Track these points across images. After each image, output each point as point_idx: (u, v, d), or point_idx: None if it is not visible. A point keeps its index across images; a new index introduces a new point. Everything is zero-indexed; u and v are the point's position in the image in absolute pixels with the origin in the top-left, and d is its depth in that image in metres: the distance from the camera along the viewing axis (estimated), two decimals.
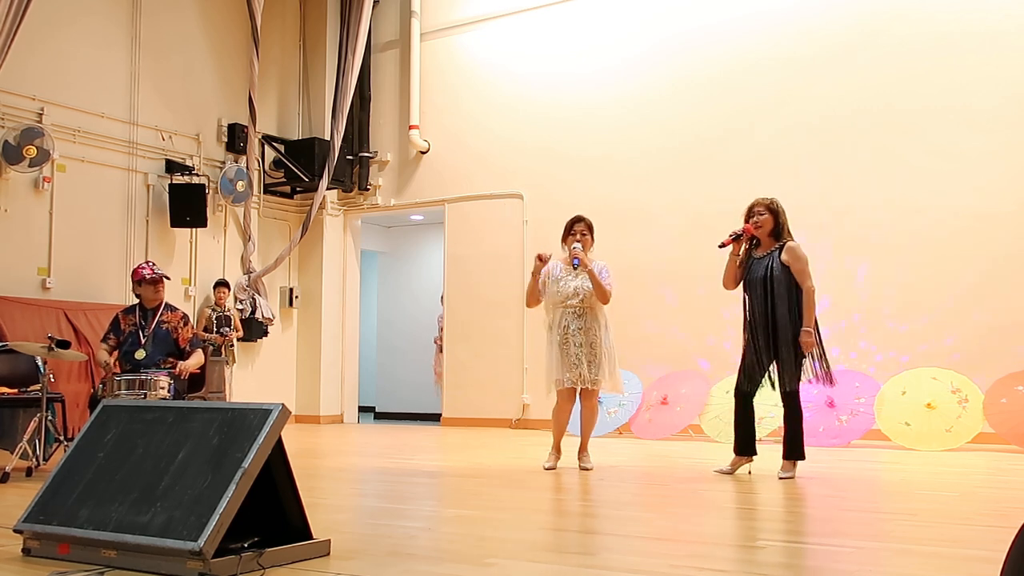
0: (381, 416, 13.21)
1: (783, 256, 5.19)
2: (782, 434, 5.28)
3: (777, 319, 5.14)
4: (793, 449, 5.19)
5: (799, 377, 5.17)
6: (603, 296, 5.53)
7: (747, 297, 5.32)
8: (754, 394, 5.31)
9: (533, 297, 5.73)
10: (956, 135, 7.87)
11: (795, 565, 2.76)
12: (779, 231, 5.28)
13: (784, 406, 5.21)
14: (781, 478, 5.09)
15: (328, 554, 2.84)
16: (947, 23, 7.97)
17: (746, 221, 5.34)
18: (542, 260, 5.61)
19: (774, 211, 5.28)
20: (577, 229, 5.63)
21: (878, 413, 7.51)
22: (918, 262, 7.94)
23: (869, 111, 8.22)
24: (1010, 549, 1.55)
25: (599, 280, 5.50)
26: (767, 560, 2.80)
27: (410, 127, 10.58)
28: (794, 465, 5.19)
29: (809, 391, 7.90)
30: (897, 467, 5.94)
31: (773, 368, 5.23)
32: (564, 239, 5.66)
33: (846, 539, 3.20)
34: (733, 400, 5.41)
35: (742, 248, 5.33)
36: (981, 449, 7.17)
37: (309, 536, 2.86)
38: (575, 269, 5.52)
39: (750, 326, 5.28)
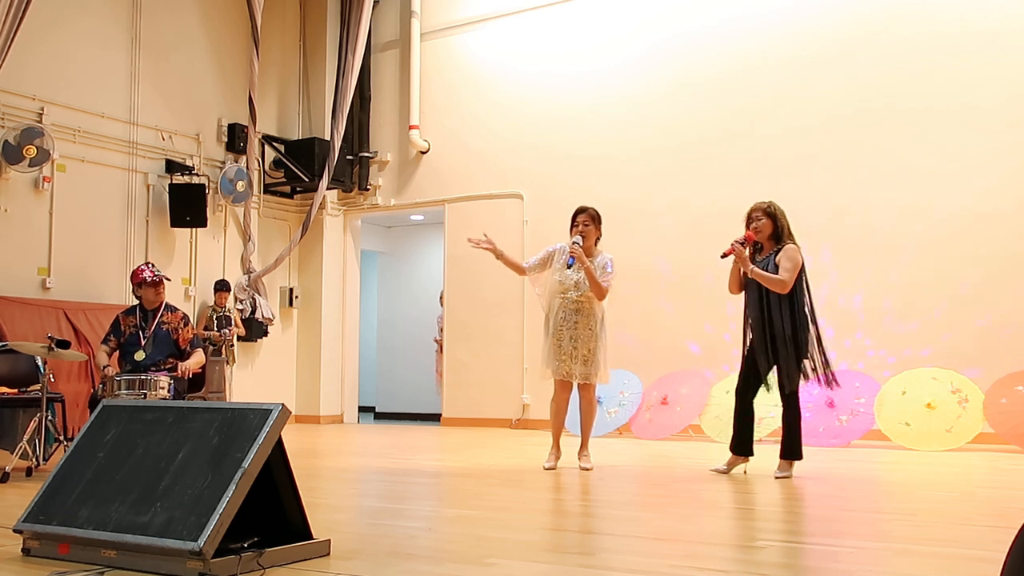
0: (381, 416, 13.21)
1: (778, 257, 5.19)
2: (780, 433, 5.28)
3: (773, 320, 5.14)
4: (791, 449, 5.19)
5: (799, 378, 5.17)
6: (599, 293, 5.50)
7: (747, 298, 5.34)
8: (754, 395, 5.31)
9: (518, 271, 5.79)
10: (956, 135, 7.87)
11: (795, 565, 2.76)
12: (779, 234, 5.27)
13: (784, 406, 5.21)
14: (777, 477, 5.10)
15: (328, 554, 2.84)
16: (948, 23, 7.97)
17: (746, 226, 5.34)
18: (487, 242, 5.58)
19: (771, 215, 5.29)
20: (579, 220, 5.57)
21: (878, 413, 7.51)
22: (918, 262, 7.94)
23: (869, 111, 8.22)
24: (1010, 549, 1.55)
25: (595, 278, 5.46)
26: (767, 560, 2.80)
27: (410, 127, 10.58)
28: (791, 465, 5.19)
29: (809, 391, 7.93)
30: (897, 467, 5.94)
31: (773, 370, 5.22)
32: (570, 231, 5.62)
33: (846, 539, 3.20)
34: (734, 399, 5.42)
35: (746, 252, 5.26)
36: (981, 449, 7.17)
37: (309, 536, 2.86)
38: (568, 268, 5.51)
39: (749, 327, 5.31)
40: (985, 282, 7.66)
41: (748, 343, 5.32)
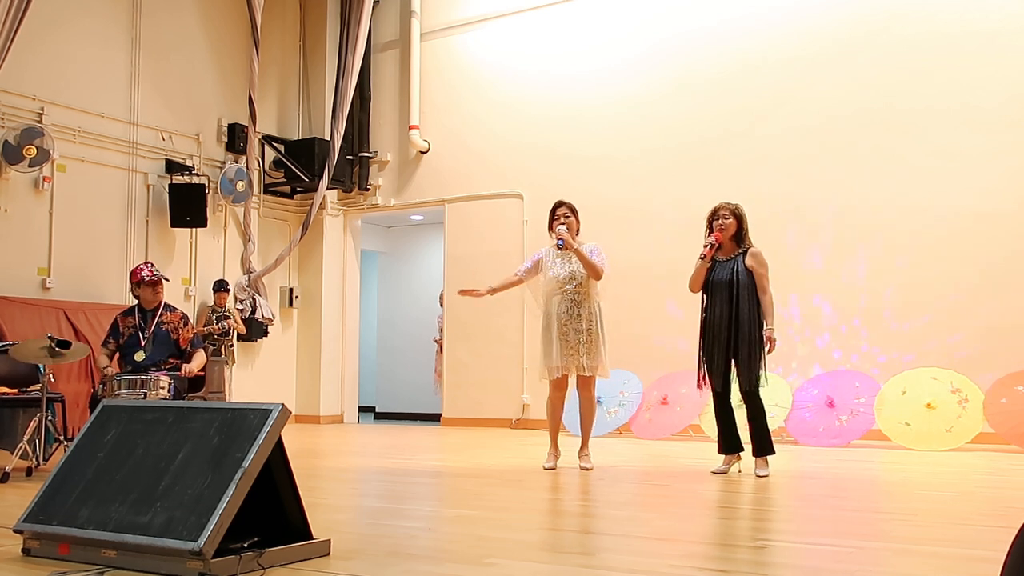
0: (381, 416, 13.21)
1: (747, 261, 5.30)
2: (749, 432, 5.32)
3: (740, 320, 5.23)
4: (762, 446, 5.26)
5: (759, 377, 5.23)
6: (595, 273, 5.55)
7: (708, 299, 5.39)
8: (729, 393, 5.38)
9: (515, 285, 6.00)
10: (956, 135, 7.87)
11: (795, 565, 2.76)
12: (741, 236, 5.38)
13: (746, 404, 5.28)
14: (760, 476, 5.15)
15: (328, 554, 2.84)
16: (948, 23, 7.97)
17: (709, 224, 5.43)
18: (478, 294, 5.89)
19: (738, 216, 5.39)
20: (559, 213, 5.67)
21: (878, 413, 7.51)
22: (918, 262, 7.94)
23: (869, 111, 8.22)
24: (1010, 549, 1.55)
25: (588, 258, 5.52)
26: (767, 560, 2.80)
27: (410, 127, 10.58)
28: (767, 462, 5.25)
29: (809, 391, 7.94)
30: (897, 467, 5.94)
31: (733, 367, 5.30)
32: (549, 226, 5.69)
33: (846, 539, 3.20)
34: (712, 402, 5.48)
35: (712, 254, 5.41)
36: (981, 449, 7.17)
37: (309, 536, 2.86)
38: (560, 250, 5.56)
39: (708, 327, 5.36)
40: (985, 282, 7.66)
41: (706, 343, 5.37)
